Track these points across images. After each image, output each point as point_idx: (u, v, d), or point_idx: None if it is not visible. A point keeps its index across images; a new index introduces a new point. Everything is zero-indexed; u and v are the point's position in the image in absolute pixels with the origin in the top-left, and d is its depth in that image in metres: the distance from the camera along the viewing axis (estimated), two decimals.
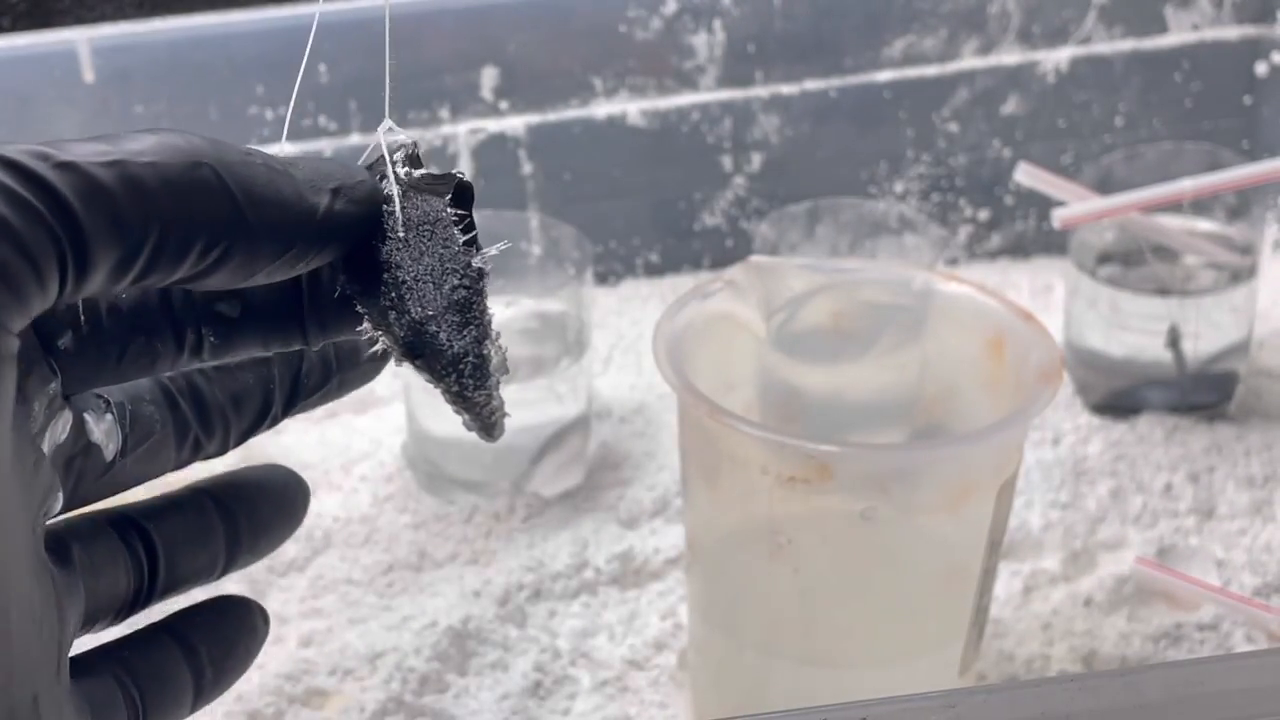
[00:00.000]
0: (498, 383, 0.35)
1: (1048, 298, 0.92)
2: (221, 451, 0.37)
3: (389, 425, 0.82)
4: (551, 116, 0.90)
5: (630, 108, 0.91)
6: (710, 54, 0.91)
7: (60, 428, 0.33)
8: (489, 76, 0.88)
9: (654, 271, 0.95)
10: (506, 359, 0.35)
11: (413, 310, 0.33)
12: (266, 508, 0.38)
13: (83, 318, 0.33)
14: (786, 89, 0.93)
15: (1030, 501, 0.76)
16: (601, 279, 0.93)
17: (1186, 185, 0.79)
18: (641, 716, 0.65)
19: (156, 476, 0.37)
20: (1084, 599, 0.70)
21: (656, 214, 0.94)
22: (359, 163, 0.34)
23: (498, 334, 0.34)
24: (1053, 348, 0.60)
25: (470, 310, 0.33)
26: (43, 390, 0.32)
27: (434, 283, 0.33)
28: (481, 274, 0.33)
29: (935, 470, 0.58)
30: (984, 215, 0.97)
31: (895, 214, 0.82)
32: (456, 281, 0.33)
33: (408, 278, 0.33)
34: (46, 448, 0.32)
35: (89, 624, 0.35)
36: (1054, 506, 0.76)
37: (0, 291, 0.28)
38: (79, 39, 0.82)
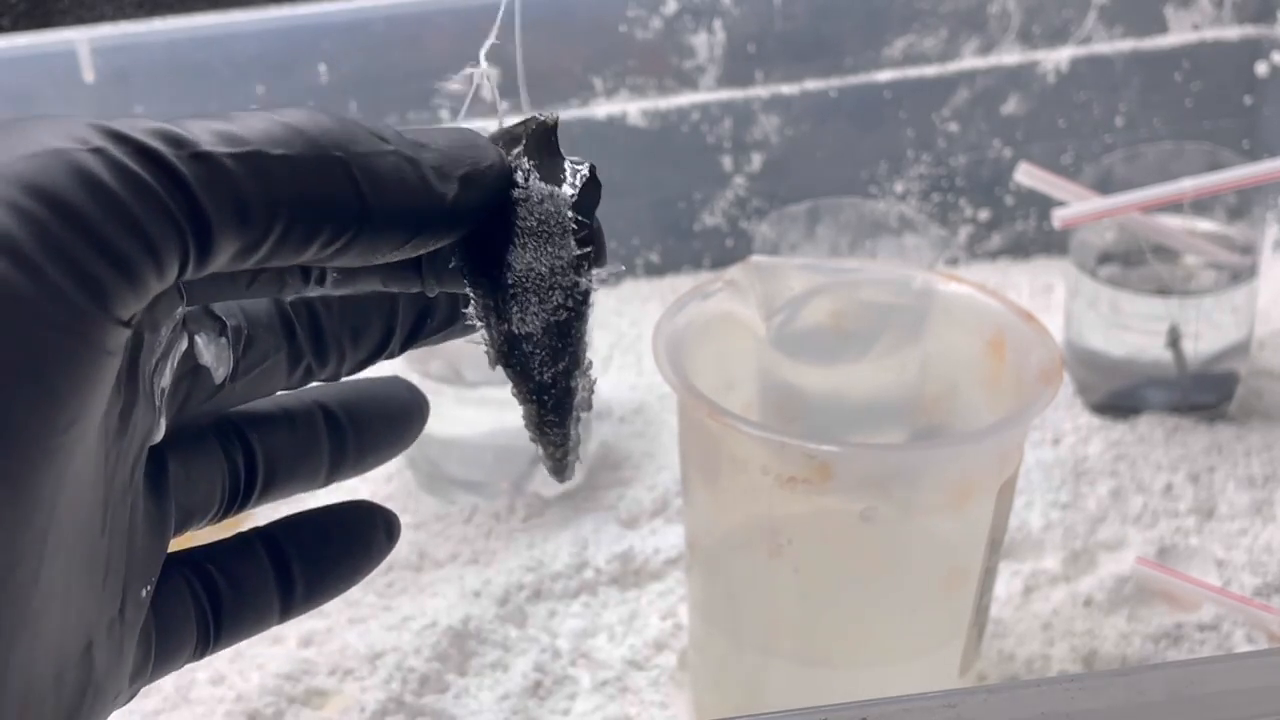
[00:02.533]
0: (578, 419, 0.33)
1: (1048, 298, 0.92)
2: (334, 379, 0.37)
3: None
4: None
5: (630, 108, 0.91)
6: (710, 54, 0.91)
7: (178, 353, 0.32)
8: (489, 77, 0.88)
9: (654, 271, 0.95)
10: (592, 396, 0.33)
11: (514, 321, 0.32)
12: (379, 425, 0.37)
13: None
14: (786, 89, 0.93)
15: (1030, 501, 0.76)
16: (601, 279, 0.93)
17: (1187, 185, 0.79)
18: (641, 716, 0.65)
19: (267, 396, 0.36)
20: (1084, 599, 0.70)
21: (656, 214, 0.94)
22: (493, 133, 0.33)
23: (589, 364, 0.32)
24: (1053, 348, 0.60)
25: (568, 336, 0.32)
26: (169, 317, 0.31)
27: (539, 296, 0.31)
28: (586, 296, 0.32)
29: (935, 470, 0.58)
30: (984, 215, 0.96)
31: (895, 214, 0.82)
32: (560, 300, 0.32)
33: (515, 281, 0.31)
34: (167, 377, 0.32)
35: (177, 532, 0.34)
36: (1054, 506, 0.76)
37: (115, 284, 0.27)
38: (79, 39, 0.82)
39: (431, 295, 0.35)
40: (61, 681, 0.29)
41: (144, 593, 0.32)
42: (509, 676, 0.67)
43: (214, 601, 0.34)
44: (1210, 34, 0.95)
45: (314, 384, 0.37)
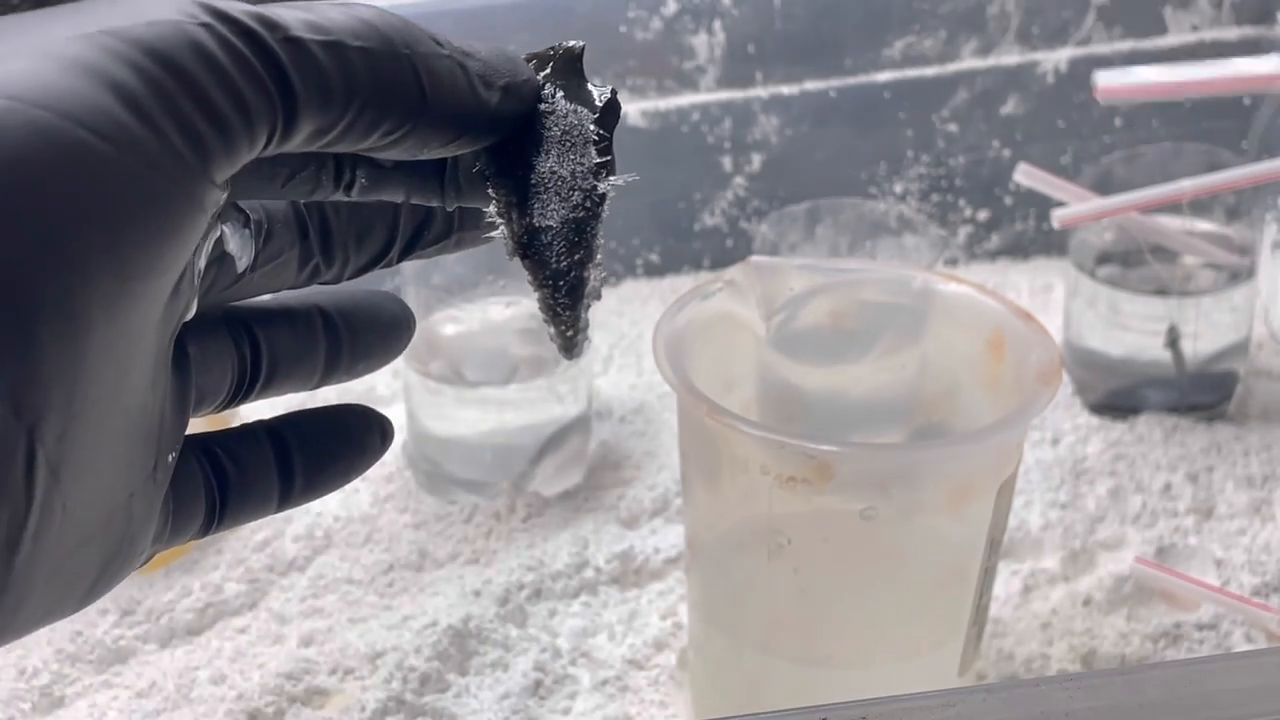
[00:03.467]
0: (588, 306, 0.36)
1: (1047, 298, 0.92)
2: (336, 281, 0.39)
3: None
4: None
5: (630, 108, 0.91)
6: (710, 54, 0.91)
7: (213, 238, 0.34)
8: None
9: (654, 271, 0.96)
10: (601, 287, 0.36)
11: (535, 215, 0.35)
12: (371, 334, 0.40)
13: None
14: (786, 89, 0.93)
15: (1030, 501, 0.76)
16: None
17: (1185, 186, 0.79)
18: (641, 716, 0.65)
19: (276, 291, 0.39)
20: (1083, 598, 0.71)
21: (656, 214, 0.94)
22: (526, 55, 0.36)
23: (601, 260, 0.36)
24: (1052, 348, 0.60)
25: (584, 232, 0.35)
26: (215, 205, 0.33)
27: (560, 196, 0.35)
28: (604, 199, 0.35)
29: (935, 470, 0.58)
30: (983, 215, 0.97)
31: (895, 214, 0.82)
32: (579, 200, 0.35)
33: (538, 182, 0.35)
34: (203, 259, 0.34)
35: (191, 413, 0.36)
36: (1053, 506, 0.76)
37: (217, 145, 0.30)
38: None
39: (449, 209, 0.38)
40: (109, 523, 0.31)
41: (170, 458, 0.34)
42: (509, 676, 0.67)
43: (221, 482, 0.36)
44: (1209, 35, 0.95)
45: (313, 288, 0.40)
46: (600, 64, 0.90)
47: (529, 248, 0.35)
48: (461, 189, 0.37)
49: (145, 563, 0.35)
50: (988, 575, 0.61)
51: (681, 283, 0.93)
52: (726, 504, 0.61)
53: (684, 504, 0.64)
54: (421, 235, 0.39)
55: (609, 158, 0.35)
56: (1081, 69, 0.94)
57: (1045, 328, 0.62)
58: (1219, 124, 0.96)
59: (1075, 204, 0.81)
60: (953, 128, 0.94)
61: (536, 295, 0.36)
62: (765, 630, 0.61)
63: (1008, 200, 0.96)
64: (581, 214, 0.35)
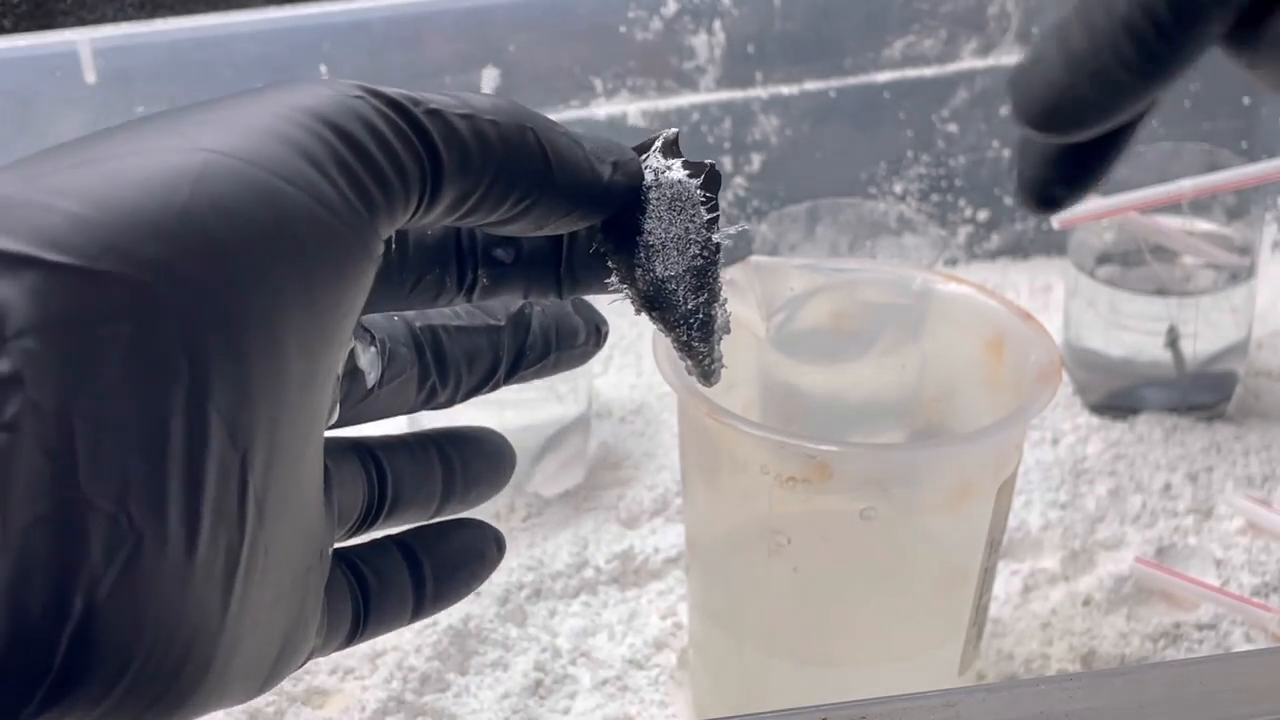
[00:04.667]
0: (719, 339, 0.40)
1: (1047, 298, 0.92)
2: (450, 403, 0.42)
3: (390, 425, 0.82)
4: (552, 117, 0.90)
5: (630, 108, 0.91)
6: (710, 54, 0.91)
7: (346, 352, 0.36)
8: (489, 77, 0.89)
9: None
10: (729, 321, 0.40)
11: (657, 269, 0.38)
12: (479, 463, 0.43)
13: (393, 246, 0.38)
14: (786, 89, 0.93)
15: (1029, 501, 0.76)
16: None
17: (1185, 185, 0.79)
18: (642, 716, 0.65)
19: (399, 414, 0.41)
20: (1083, 598, 0.71)
21: None
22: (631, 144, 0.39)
23: (725, 299, 0.40)
24: (1052, 348, 0.60)
25: (705, 277, 0.39)
26: (378, 260, 0.35)
27: (678, 250, 0.38)
28: (719, 248, 0.39)
29: (935, 470, 0.58)
30: (983, 216, 0.97)
31: (895, 214, 0.82)
32: (697, 251, 0.38)
33: (656, 243, 0.38)
34: (339, 366, 0.35)
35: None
36: (1053, 506, 0.76)
37: (381, 202, 0.32)
38: (80, 40, 0.82)
39: (566, 299, 0.41)
40: (293, 590, 0.33)
41: (328, 551, 0.36)
42: (509, 675, 0.67)
43: (364, 591, 0.38)
44: None
45: (421, 421, 0.41)
46: (600, 64, 0.90)
47: (654, 301, 0.39)
48: (577, 278, 0.40)
49: (303, 664, 0.35)
50: (987, 575, 0.61)
51: None
52: (726, 504, 0.61)
53: (684, 504, 0.64)
54: (523, 356, 0.42)
55: (717, 214, 0.39)
56: None
57: (1045, 328, 0.62)
58: (1219, 124, 0.96)
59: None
60: (953, 128, 0.94)
61: (670, 339, 0.40)
62: (765, 630, 0.61)
63: (1008, 200, 0.96)
64: (700, 262, 0.38)
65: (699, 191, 0.39)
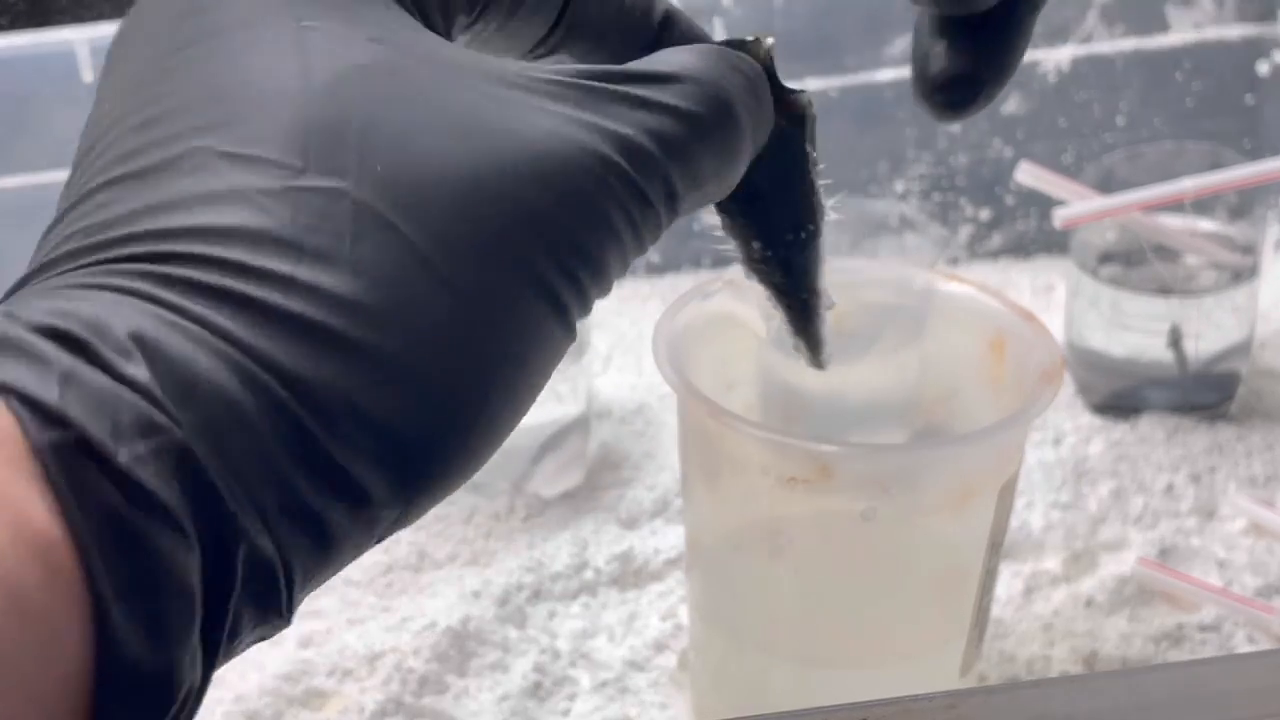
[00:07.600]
0: (823, 319, 0.40)
1: (1049, 297, 0.92)
2: None
3: None
4: None
5: None
6: None
7: None
8: None
9: (654, 271, 0.95)
10: (831, 295, 0.39)
11: (763, 239, 0.38)
12: None
13: None
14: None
15: (1031, 502, 0.76)
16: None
17: (1188, 185, 0.79)
18: (642, 718, 0.65)
19: None
20: (1085, 600, 0.70)
21: None
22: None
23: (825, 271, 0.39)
24: (1054, 348, 0.60)
25: (809, 248, 0.38)
26: None
27: (789, 219, 0.38)
28: (822, 215, 0.38)
29: (936, 470, 0.58)
30: (985, 215, 0.96)
31: (896, 213, 0.82)
32: (806, 218, 0.38)
33: (764, 206, 0.38)
34: None
35: None
36: (1055, 507, 0.75)
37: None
38: (78, 39, 0.82)
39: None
40: None
41: None
42: (509, 677, 0.67)
43: None
44: (1212, 33, 0.95)
45: None
46: None
47: (761, 263, 0.39)
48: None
49: None
50: (989, 576, 0.61)
51: (681, 283, 0.93)
52: (727, 504, 0.61)
53: (684, 505, 0.64)
54: None
55: (826, 180, 0.38)
56: (1083, 68, 0.94)
57: (1047, 328, 0.62)
58: (1222, 123, 0.96)
59: (1077, 203, 0.80)
60: (954, 127, 0.94)
61: (781, 308, 0.39)
62: (766, 631, 0.61)
63: (1009, 199, 0.96)
64: (806, 233, 0.38)
65: (810, 150, 0.38)
